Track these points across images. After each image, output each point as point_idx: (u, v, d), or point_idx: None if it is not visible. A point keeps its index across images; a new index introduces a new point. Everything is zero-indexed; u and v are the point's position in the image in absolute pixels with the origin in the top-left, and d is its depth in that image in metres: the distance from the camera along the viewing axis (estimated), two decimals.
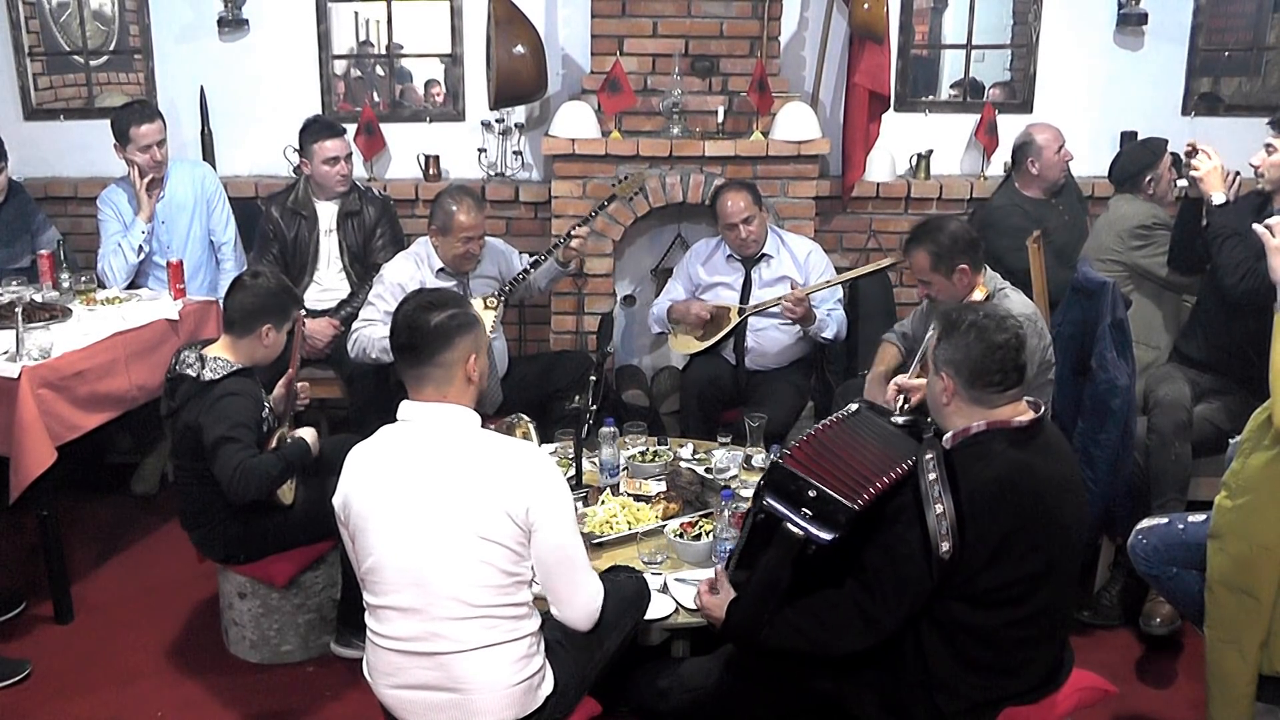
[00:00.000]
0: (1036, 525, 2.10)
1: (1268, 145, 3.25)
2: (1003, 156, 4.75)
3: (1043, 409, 2.22)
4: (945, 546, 2.04)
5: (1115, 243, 3.77)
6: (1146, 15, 4.65)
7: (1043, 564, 2.12)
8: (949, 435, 2.20)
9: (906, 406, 2.98)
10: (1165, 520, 2.75)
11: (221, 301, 3.29)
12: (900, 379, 3.11)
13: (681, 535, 2.83)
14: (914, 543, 2.07)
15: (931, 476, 2.09)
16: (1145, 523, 2.80)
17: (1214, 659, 2.52)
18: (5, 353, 3.23)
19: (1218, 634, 2.51)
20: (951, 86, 4.94)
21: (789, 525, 2.14)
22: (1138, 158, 3.89)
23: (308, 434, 3.03)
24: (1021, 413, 2.20)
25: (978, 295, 3.17)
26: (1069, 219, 4.29)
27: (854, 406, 2.33)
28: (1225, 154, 3.35)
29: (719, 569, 2.45)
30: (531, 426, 3.28)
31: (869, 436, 2.23)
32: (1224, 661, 2.49)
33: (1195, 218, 3.48)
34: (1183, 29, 4.72)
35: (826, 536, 2.11)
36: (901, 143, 4.78)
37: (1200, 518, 2.59)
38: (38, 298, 3.77)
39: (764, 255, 4.07)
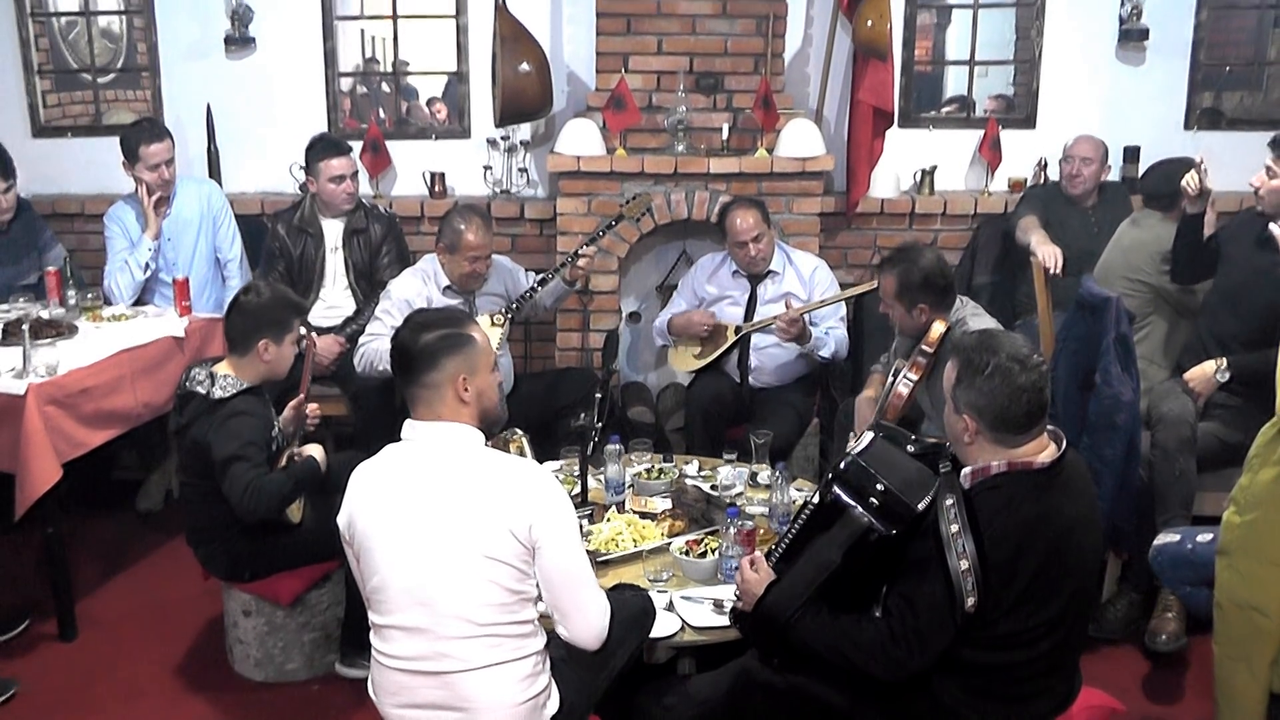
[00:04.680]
0: (1059, 570, 2.07)
1: (1268, 168, 3.24)
2: (1006, 172, 4.77)
3: (1064, 441, 2.17)
4: (970, 601, 2.00)
5: (1147, 263, 3.73)
6: (1148, 31, 4.65)
7: (1062, 607, 2.09)
8: (967, 473, 2.15)
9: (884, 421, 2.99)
10: (1177, 538, 2.74)
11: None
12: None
13: (687, 553, 2.82)
14: (938, 595, 2.03)
15: (954, 528, 2.04)
16: (1160, 539, 2.79)
17: (1223, 676, 2.51)
18: (12, 370, 3.24)
19: (1227, 651, 2.50)
20: (951, 101, 4.94)
21: (856, 510, 2.13)
22: (1179, 177, 3.66)
23: (316, 451, 3.03)
24: (1045, 448, 2.14)
25: (938, 329, 3.17)
26: (1096, 232, 4.23)
27: (869, 436, 2.27)
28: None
29: (757, 555, 2.39)
30: (525, 440, 3.23)
31: (888, 466, 2.21)
32: (1233, 679, 2.48)
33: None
34: (1184, 44, 4.72)
35: (891, 529, 2.10)
36: (905, 159, 4.79)
37: (1208, 537, 2.58)
38: (44, 314, 3.78)
39: (770, 271, 4.08)
